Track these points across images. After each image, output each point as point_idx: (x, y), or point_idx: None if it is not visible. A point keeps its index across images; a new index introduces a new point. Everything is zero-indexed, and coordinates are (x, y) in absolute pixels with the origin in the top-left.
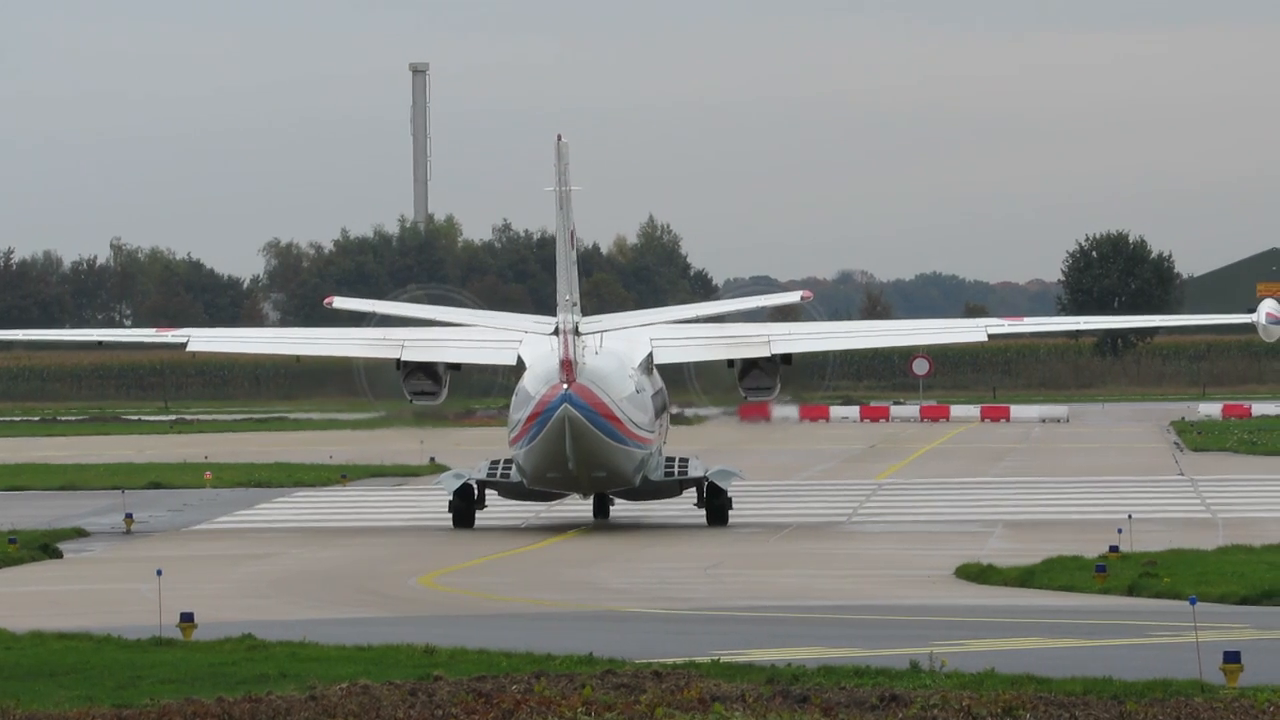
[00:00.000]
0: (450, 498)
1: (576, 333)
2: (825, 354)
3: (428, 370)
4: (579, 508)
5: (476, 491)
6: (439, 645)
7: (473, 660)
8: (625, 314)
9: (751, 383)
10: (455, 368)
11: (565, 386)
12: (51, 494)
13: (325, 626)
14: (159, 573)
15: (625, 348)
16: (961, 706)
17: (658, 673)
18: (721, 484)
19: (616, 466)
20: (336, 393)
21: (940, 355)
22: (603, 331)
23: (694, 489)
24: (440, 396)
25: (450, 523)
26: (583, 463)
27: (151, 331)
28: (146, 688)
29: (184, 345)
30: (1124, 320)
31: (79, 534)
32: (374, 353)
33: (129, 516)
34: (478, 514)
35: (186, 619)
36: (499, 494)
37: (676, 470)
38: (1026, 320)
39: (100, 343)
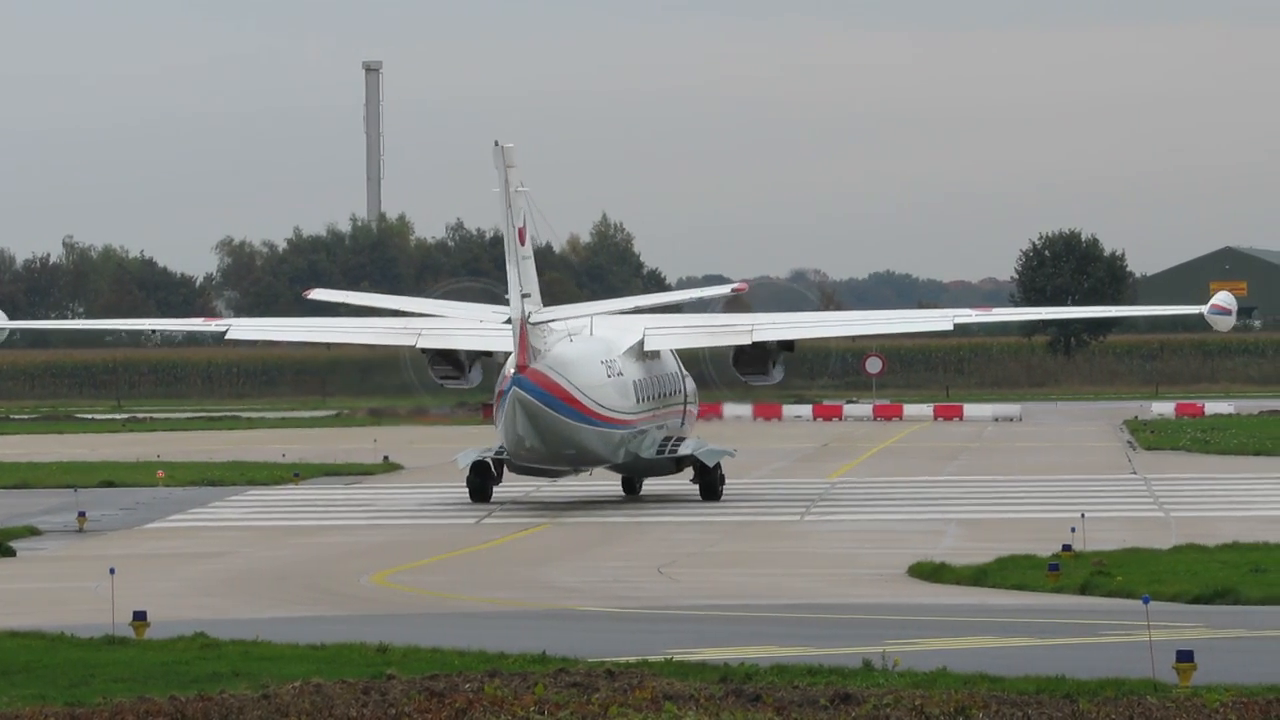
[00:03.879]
0: (467, 473)
1: (529, 323)
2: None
3: (448, 357)
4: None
5: (493, 467)
6: (392, 644)
7: (425, 659)
8: (573, 305)
9: (744, 368)
10: (488, 355)
11: (514, 371)
12: (4, 492)
13: (278, 625)
14: (112, 571)
15: (615, 335)
16: (914, 705)
17: (610, 672)
18: (707, 461)
19: (584, 445)
20: (289, 391)
21: (893, 354)
22: (583, 317)
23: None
24: (467, 382)
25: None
26: (545, 440)
27: (200, 321)
28: (99, 686)
29: (224, 334)
30: (1086, 311)
31: (31, 532)
32: (395, 340)
33: (82, 515)
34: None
35: (139, 617)
36: (509, 469)
37: (668, 450)
38: (995, 311)
39: (154, 331)
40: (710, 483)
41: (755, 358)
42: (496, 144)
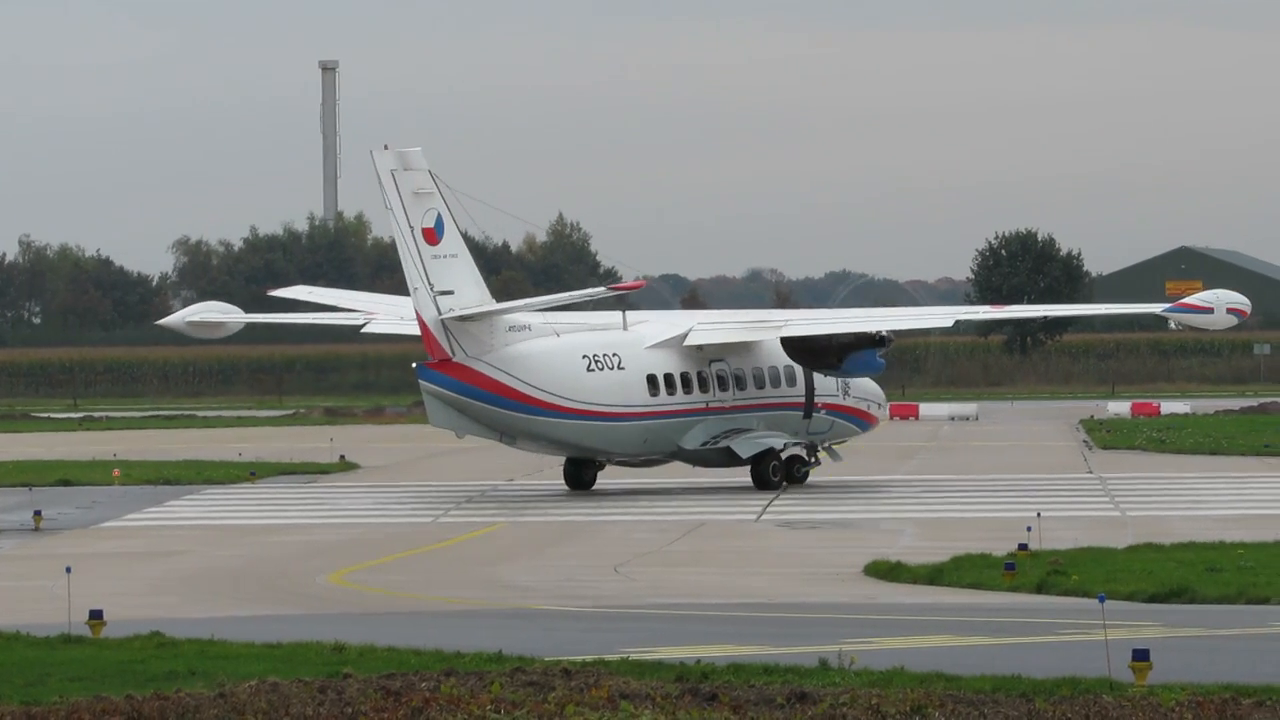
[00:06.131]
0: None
1: (447, 320)
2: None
3: None
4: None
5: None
6: (348, 643)
7: (382, 658)
8: (499, 304)
9: (803, 362)
10: None
11: (418, 365)
12: None
13: (234, 624)
14: (68, 570)
15: (649, 331)
16: (870, 704)
17: (567, 670)
18: (740, 452)
19: (559, 438)
20: (246, 391)
21: None
22: (498, 314)
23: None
24: None
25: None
26: (498, 431)
27: (361, 315)
28: (55, 685)
29: (361, 327)
30: (1091, 308)
31: None
32: None
33: (38, 514)
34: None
35: (95, 616)
36: None
37: (713, 441)
38: (1006, 308)
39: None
40: (760, 472)
41: (810, 352)
42: (385, 148)
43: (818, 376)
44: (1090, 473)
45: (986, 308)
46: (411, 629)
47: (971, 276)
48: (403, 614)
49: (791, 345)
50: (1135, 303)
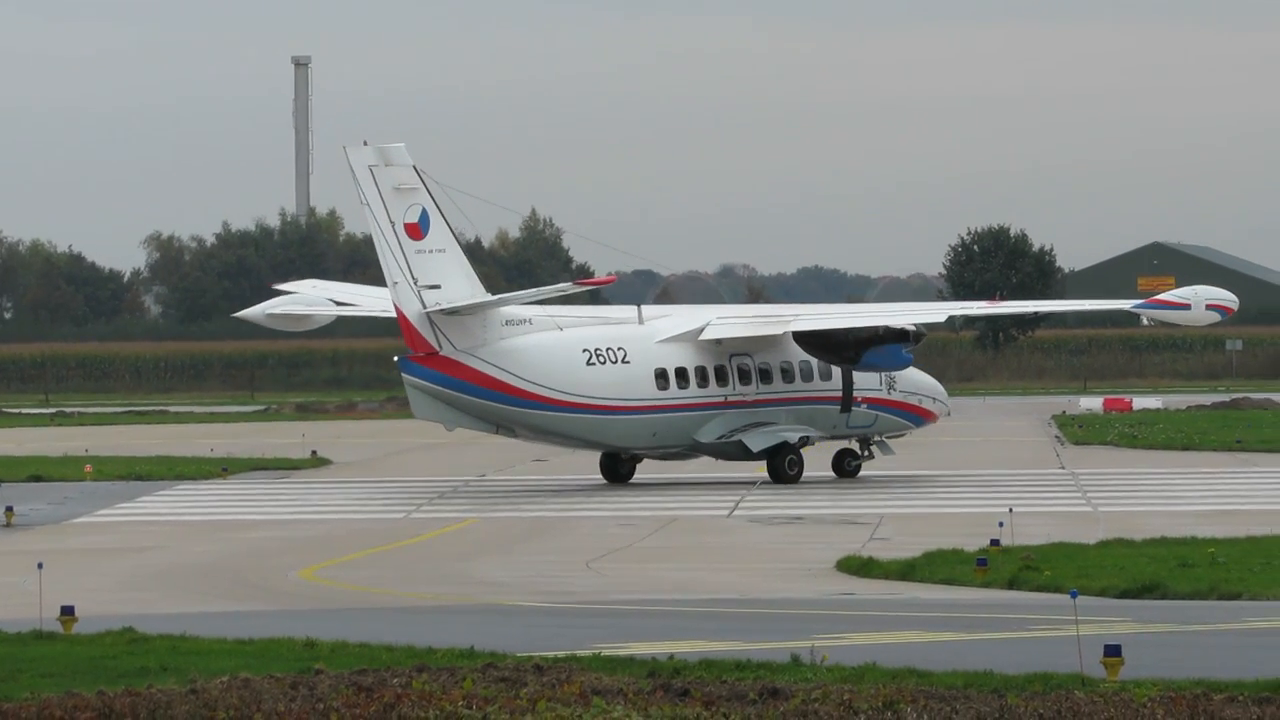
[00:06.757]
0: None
1: (433, 313)
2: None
3: None
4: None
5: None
6: (320, 639)
7: (354, 654)
8: (491, 297)
9: (819, 356)
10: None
11: (399, 359)
12: None
13: (206, 620)
14: (39, 566)
15: (664, 325)
16: (842, 700)
17: (539, 666)
18: (751, 446)
19: (558, 431)
20: (218, 386)
21: None
22: (479, 309)
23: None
24: None
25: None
26: (492, 424)
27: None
28: (26, 681)
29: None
30: (1087, 304)
31: None
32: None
33: (9, 509)
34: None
35: (67, 612)
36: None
37: (728, 435)
38: (1001, 304)
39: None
40: (774, 467)
41: (824, 346)
42: (365, 144)
43: (858, 371)
44: (1062, 468)
45: (982, 303)
46: (383, 625)
47: (944, 272)
48: (375, 610)
49: (803, 340)
50: (1108, 298)
